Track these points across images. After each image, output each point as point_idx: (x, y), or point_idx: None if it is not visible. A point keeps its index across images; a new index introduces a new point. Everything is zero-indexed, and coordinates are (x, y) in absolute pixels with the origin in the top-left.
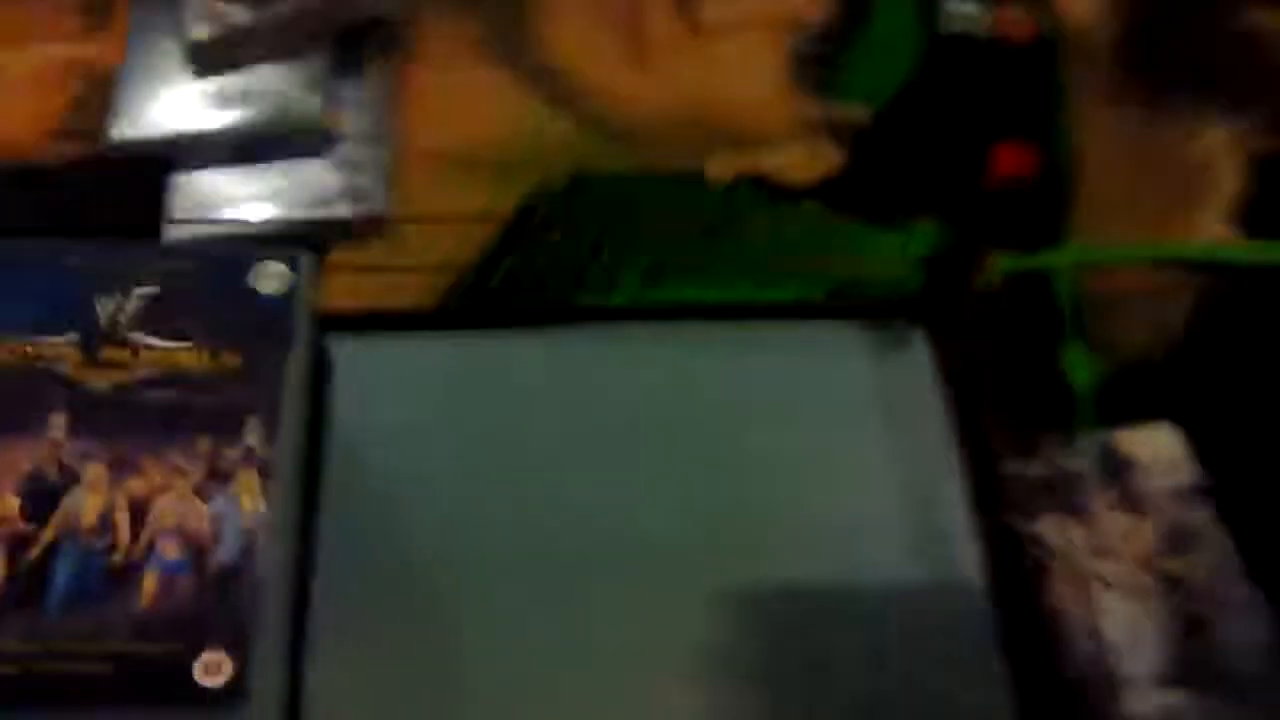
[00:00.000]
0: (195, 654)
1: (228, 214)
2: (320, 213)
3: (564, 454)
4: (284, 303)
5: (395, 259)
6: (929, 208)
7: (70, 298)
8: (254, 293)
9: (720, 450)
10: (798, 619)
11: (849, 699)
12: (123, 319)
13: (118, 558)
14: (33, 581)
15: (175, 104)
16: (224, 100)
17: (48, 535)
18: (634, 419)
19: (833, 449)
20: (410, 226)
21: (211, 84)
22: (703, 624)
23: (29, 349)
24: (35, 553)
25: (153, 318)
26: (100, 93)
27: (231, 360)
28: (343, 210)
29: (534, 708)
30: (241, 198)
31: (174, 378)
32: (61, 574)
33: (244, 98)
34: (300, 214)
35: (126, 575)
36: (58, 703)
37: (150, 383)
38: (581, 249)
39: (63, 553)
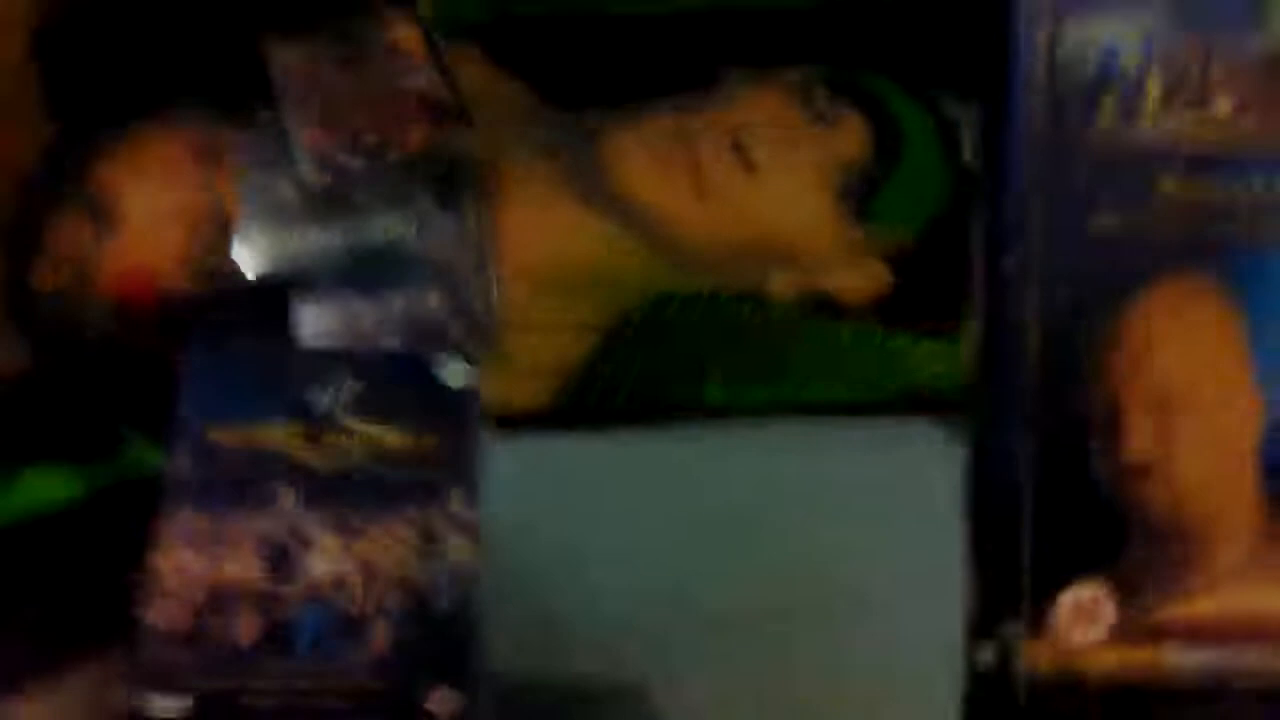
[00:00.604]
0: (426, 689)
1: (351, 339)
2: (436, 334)
3: (663, 541)
4: (468, 394)
5: (504, 368)
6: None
7: (285, 390)
8: (442, 385)
9: (799, 539)
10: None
11: None
12: (335, 409)
13: (354, 610)
14: (282, 631)
15: (295, 242)
16: (341, 237)
17: (290, 593)
18: (726, 510)
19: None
20: (515, 339)
21: (328, 223)
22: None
23: (255, 435)
24: (281, 607)
25: (360, 407)
26: (221, 232)
27: (431, 442)
28: (456, 330)
29: None
30: (363, 325)
31: (384, 457)
32: (306, 625)
33: (359, 234)
34: (416, 336)
35: (362, 625)
36: None
37: (364, 461)
38: (671, 358)
39: (306, 607)
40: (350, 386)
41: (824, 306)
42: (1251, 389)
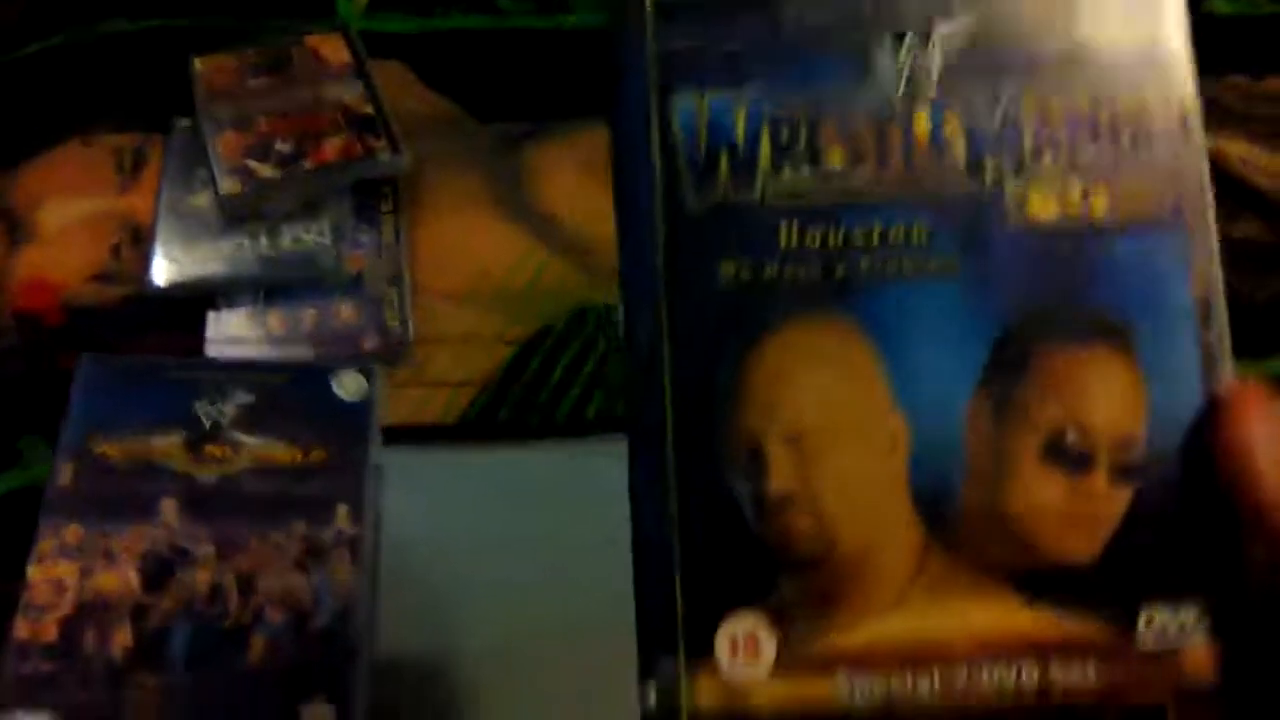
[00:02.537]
0: (302, 703)
1: (261, 350)
2: (347, 346)
3: (574, 551)
4: (362, 407)
5: (417, 380)
6: None
7: (173, 403)
8: (335, 399)
9: None
10: None
11: None
12: (223, 421)
13: (229, 623)
14: (156, 644)
15: (209, 251)
16: (254, 246)
17: (166, 605)
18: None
19: None
20: (428, 353)
21: (241, 232)
22: None
23: (140, 447)
24: (156, 620)
25: (249, 420)
26: (134, 240)
27: (320, 456)
28: (368, 342)
29: None
30: (273, 336)
31: (270, 470)
32: (180, 637)
33: (272, 244)
34: (328, 348)
35: (237, 638)
36: None
37: (249, 475)
38: (586, 372)
39: (181, 619)
40: (240, 399)
41: None
42: (893, 413)
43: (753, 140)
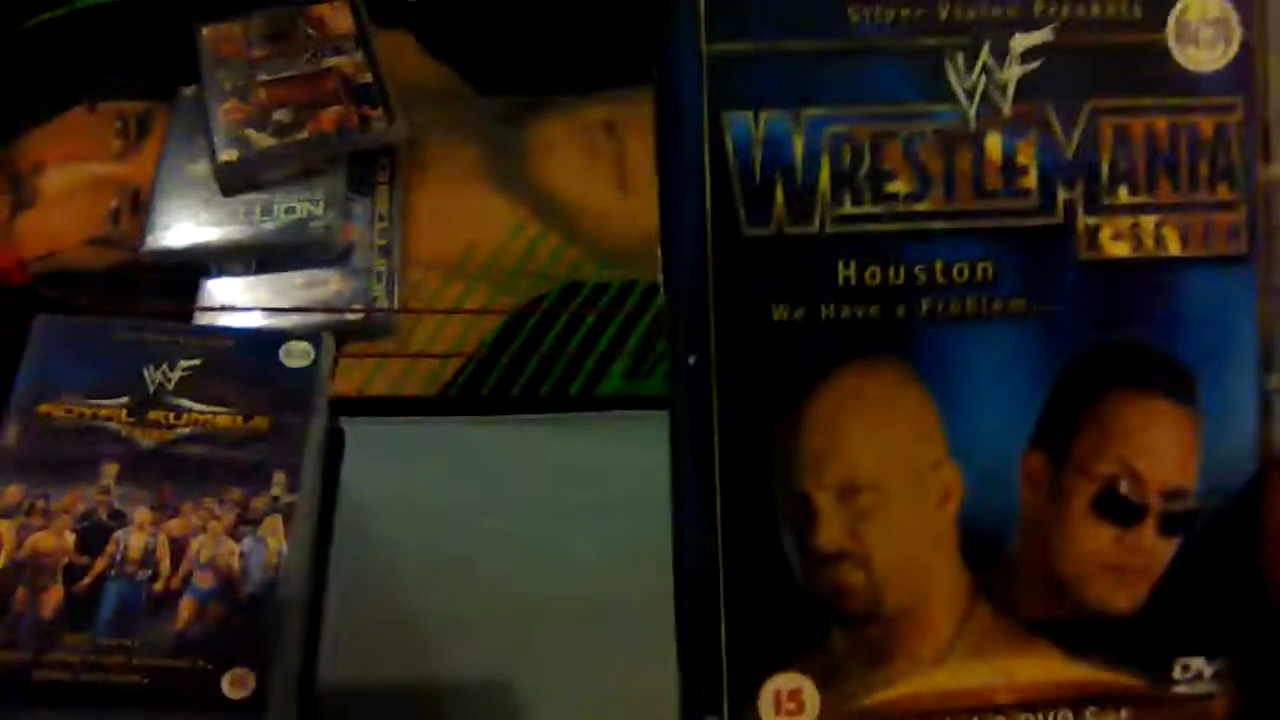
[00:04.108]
0: (223, 670)
1: (252, 316)
2: (336, 314)
3: (548, 524)
4: (307, 375)
5: (401, 352)
6: None
7: (122, 366)
8: (282, 367)
9: None
10: None
11: None
12: (168, 386)
13: (159, 586)
14: (85, 605)
15: (204, 218)
16: (248, 215)
17: (99, 566)
18: (615, 497)
19: None
20: (415, 325)
21: (237, 200)
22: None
23: (85, 409)
24: (88, 581)
25: (194, 386)
26: (133, 206)
27: (261, 423)
28: (354, 313)
29: None
30: (264, 302)
31: (210, 436)
32: (110, 599)
33: (266, 213)
34: (318, 317)
35: (166, 601)
36: (103, 707)
37: (190, 440)
38: (573, 346)
39: (111, 581)
40: (186, 364)
41: None
42: (947, 464)
43: (812, 163)
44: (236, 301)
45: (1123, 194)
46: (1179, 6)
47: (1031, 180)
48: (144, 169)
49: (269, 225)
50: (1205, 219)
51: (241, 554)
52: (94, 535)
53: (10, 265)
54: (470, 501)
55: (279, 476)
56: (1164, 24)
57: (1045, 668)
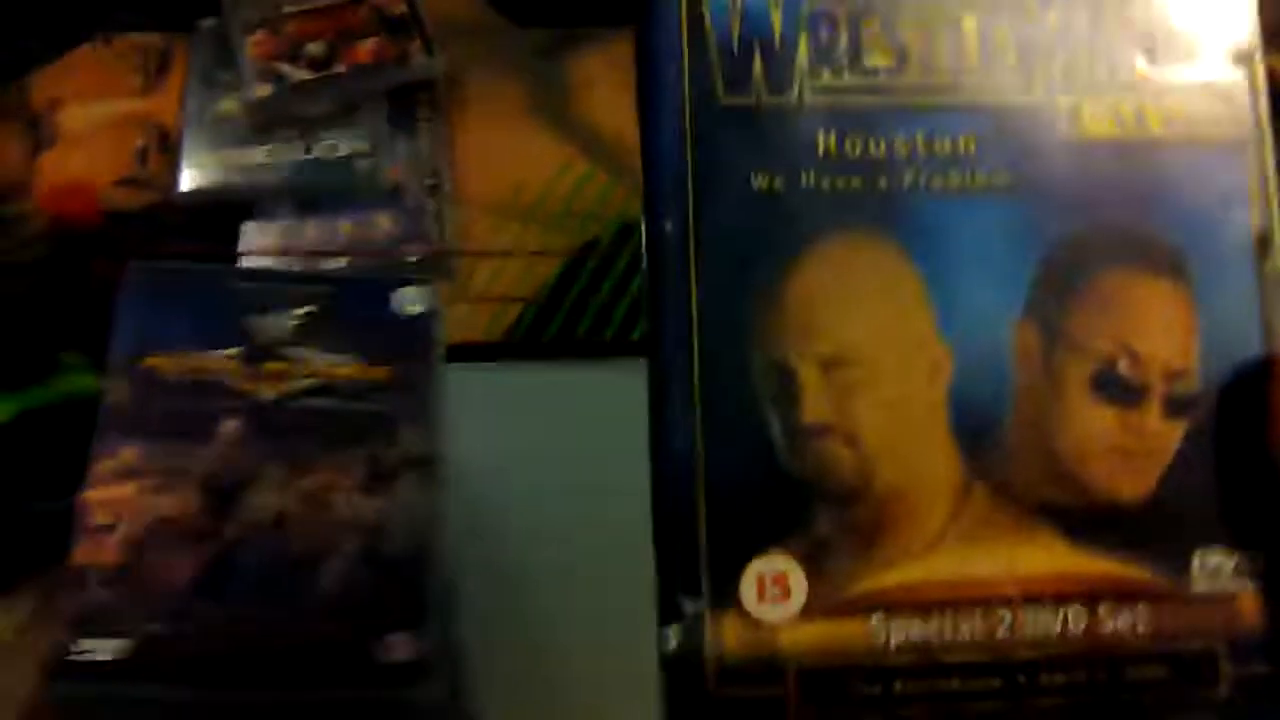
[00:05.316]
0: (377, 635)
1: (296, 260)
2: (384, 256)
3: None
4: (425, 322)
5: (459, 296)
6: None
7: (225, 315)
8: (395, 314)
9: None
10: None
11: None
12: (280, 336)
13: (298, 548)
14: (221, 572)
15: (240, 157)
16: (288, 154)
17: (231, 531)
18: None
19: None
20: (470, 266)
21: (274, 138)
22: None
23: (196, 363)
24: (220, 546)
25: (307, 335)
26: (161, 145)
27: (381, 373)
28: (410, 255)
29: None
30: (308, 245)
31: (331, 388)
32: (245, 566)
33: (307, 152)
34: (365, 259)
35: (307, 565)
36: (249, 684)
37: (312, 392)
38: (633, 289)
39: (246, 546)
40: (296, 312)
41: None
42: (936, 339)
43: (790, 35)
44: (280, 245)
45: (1101, 75)
46: None
47: (1010, 59)
48: (169, 105)
49: (311, 164)
50: (1191, 106)
51: (384, 512)
52: (221, 497)
53: (83, 210)
54: (547, 447)
55: (409, 428)
56: None
57: (1050, 558)
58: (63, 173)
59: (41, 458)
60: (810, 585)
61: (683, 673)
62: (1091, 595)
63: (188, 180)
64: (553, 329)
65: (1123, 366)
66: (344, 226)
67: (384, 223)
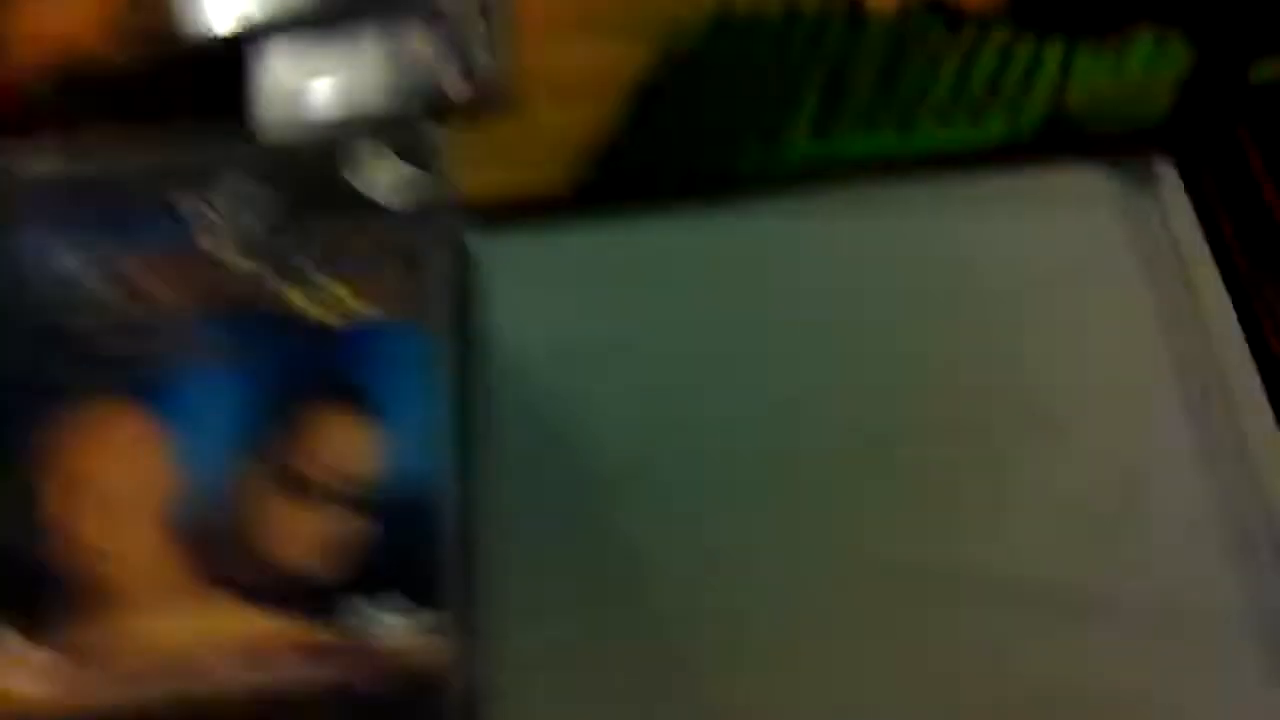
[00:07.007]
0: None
1: (319, 101)
2: (427, 90)
3: (748, 343)
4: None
5: (521, 138)
6: (1149, 14)
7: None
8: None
9: (940, 325)
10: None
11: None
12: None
13: None
14: None
15: None
16: None
17: None
18: (824, 297)
19: (1084, 312)
20: (527, 99)
21: None
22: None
23: None
24: None
25: None
26: None
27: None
28: (453, 85)
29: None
30: (334, 82)
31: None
32: None
33: None
34: (405, 94)
35: None
36: None
37: None
38: (735, 104)
39: None
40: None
41: (937, 14)
42: (165, 467)
43: None
44: (296, 79)
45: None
46: None
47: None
48: None
49: None
50: (377, 284)
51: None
52: None
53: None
54: (649, 322)
55: None
56: None
57: (242, 623)
58: (35, 28)
59: None
60: (39, 655)
61: None
62: (276, 652)
63: (189, 25)
64: (630, 171)
65: (305, 472)
66: (369, 53)
67: (419, 41)
